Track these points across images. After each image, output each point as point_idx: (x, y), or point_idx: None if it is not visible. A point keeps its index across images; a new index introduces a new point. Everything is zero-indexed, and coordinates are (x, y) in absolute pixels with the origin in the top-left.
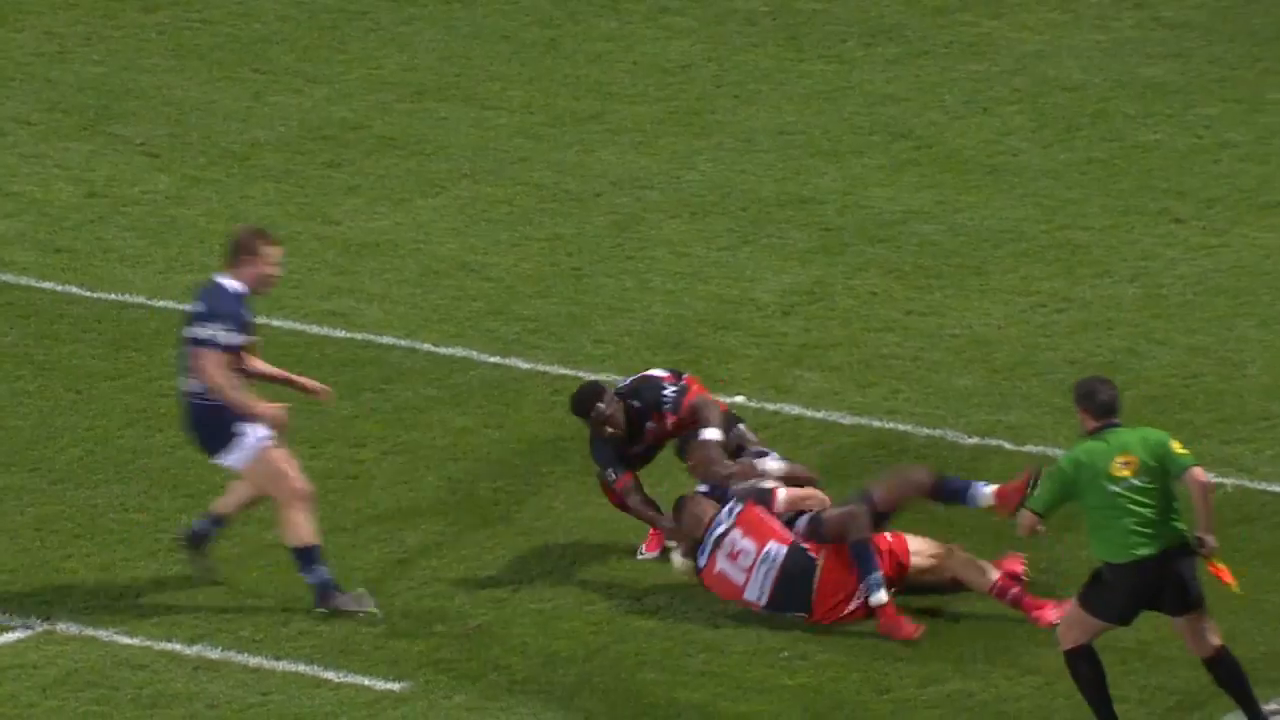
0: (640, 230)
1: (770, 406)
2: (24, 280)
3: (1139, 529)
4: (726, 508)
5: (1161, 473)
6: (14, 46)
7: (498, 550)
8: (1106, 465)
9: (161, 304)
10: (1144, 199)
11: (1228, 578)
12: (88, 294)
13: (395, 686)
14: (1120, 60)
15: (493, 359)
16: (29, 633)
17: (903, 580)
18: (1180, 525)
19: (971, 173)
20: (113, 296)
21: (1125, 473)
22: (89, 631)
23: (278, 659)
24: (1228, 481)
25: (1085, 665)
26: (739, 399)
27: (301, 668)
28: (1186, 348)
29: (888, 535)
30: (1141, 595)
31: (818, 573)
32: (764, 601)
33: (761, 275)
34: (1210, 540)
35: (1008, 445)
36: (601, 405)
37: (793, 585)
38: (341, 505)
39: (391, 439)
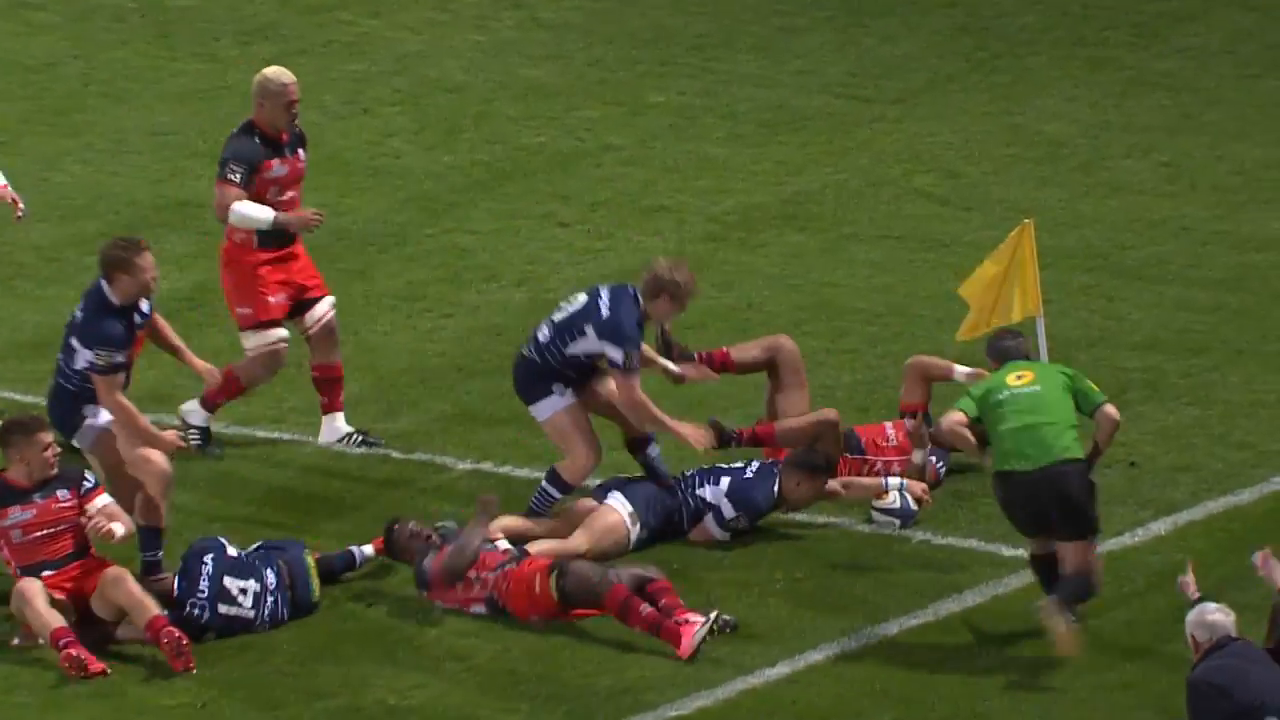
0: (10, 234)
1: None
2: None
3: None
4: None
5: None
6: None
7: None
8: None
9: None
10: (529, 202)
11: None
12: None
13: None
14: (501, 61)
15: None
16: None
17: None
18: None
19: (354, 174)
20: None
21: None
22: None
23: None
24: None
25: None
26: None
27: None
28: None
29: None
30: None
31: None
32: None
33: None
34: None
35: (395, 454)
36: None
37: None
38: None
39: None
